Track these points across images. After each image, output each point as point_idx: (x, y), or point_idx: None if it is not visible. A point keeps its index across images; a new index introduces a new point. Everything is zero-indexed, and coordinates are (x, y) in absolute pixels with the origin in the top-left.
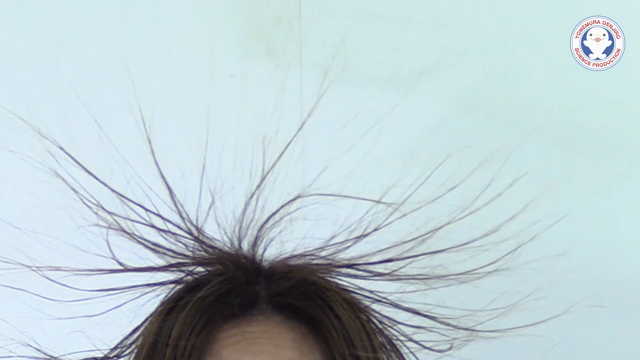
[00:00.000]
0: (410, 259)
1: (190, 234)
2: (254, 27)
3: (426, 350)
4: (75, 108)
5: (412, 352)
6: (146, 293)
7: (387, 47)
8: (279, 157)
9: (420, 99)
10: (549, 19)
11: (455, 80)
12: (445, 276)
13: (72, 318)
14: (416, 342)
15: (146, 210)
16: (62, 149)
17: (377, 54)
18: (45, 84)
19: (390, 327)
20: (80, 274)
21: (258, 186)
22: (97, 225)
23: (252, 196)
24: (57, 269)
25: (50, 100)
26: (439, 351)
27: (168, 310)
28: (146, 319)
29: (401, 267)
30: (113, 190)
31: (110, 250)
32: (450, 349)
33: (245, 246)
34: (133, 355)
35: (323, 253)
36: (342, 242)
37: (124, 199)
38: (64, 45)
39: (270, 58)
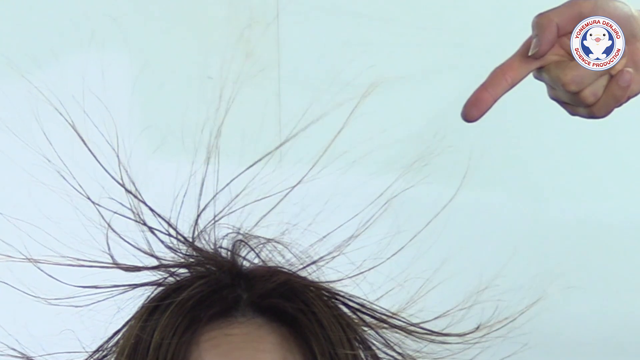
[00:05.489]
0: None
1: (183, 236)
2: (232, 30)
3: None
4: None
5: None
6: (126, 291)
7: (367, 49)
8: (261, 159)
9: (406, 102)
10: None
11: (448, 82)
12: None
13: (51, 306)
14: (420, 332)
15: (152, 210)
16: (77, 133)
17: (357, 57)
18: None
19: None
20: (62, 266)
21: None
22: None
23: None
24: (37, 261)
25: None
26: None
27: (150, 311)
28: (127, 322)
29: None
30: (122, 186)
31: (108, 245)
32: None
33: (228, 249)
34: (114, 357)
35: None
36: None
37: (132, 194)
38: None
39: (248, 60)
